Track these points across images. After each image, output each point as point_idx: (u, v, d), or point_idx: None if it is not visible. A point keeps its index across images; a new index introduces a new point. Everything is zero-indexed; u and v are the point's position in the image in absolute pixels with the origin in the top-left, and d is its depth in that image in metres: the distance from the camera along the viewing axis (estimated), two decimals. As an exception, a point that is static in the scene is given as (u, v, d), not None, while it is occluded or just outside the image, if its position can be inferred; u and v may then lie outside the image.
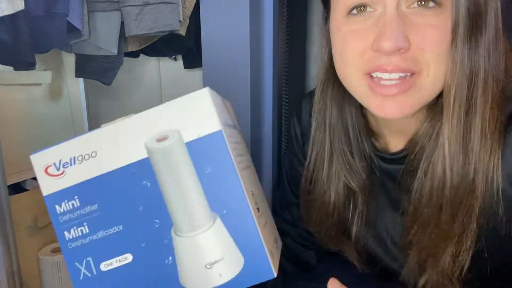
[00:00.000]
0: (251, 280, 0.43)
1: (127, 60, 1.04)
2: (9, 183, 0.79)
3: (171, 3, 0.87)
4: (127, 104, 1.37)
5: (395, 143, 0.58)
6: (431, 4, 0.46)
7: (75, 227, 0.44)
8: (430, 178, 0.50)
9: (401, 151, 0.57)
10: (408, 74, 0.47)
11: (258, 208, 0.46)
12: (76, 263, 0.44)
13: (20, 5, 0.66)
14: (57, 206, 0.44)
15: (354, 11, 0.49)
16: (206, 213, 0.42)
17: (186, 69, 1.24)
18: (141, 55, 1.17)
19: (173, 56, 1.27)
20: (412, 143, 0.54)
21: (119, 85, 1.36)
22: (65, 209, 0.44)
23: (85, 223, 0.44)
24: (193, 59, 1.19)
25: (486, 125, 0.47)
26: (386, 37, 0.45)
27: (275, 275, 0.43)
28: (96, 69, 0.97)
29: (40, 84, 0.95)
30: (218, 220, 0.43)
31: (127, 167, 0.43)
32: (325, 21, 0.58)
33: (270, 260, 0.43)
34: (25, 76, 0.90)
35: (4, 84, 0.87)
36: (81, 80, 1.02)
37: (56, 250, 0.87)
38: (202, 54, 1.01)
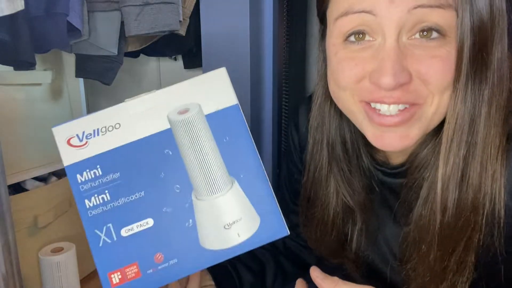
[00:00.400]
0: (267, 238, 0.46)
1: (127, 60, 1.04)
2: (9, 183, 0.79)
3: (171, 3, 0.87)
4: (127, 104, 1.37)
5: (395, 157, 0.56)
6: (434, 34, 0.43)
7: (96, 195, 0.46)
8: (428, 210, 0.48)
9: (402, 164, 0.55)
10: (409, 105, 0.45)
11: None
12: (96, 230, 0.46)
13: (20, 5, 0.66)
14: (78, 176, 0.46)
15: (352, 38, 0.46)
16: (224, 177, 0.46)
17: (186, 69, 1.24)
18: (141, 55, 1.17)
19: (173, 56, 1.27)
20: (412, 161, 0.52)
21: (119, 85, 1.36)
22: (87, 178, 0.46)
23: (106, 191, 0.45)
24: (193, 59, 1.19)
25: (488, 155, 0.45)
26: (386, 72, 0.42)
27: (288, 232, 0.46)
28: (96, 69, 0.97)
29: (40, 84, 0.95)
30: (236, 184, 0.46)
31: (150, 137, 0.46)
32: (322, 37, 0.55)
33: (283, 218, 0.46)
34: (25, 76, 0.90)
35: (4, 84, 0.87)
36: (81, 80, 1.02)
37: (56, 250, 0.87)
38: (202, 54, 1.01)
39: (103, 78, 0.98)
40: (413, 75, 0.43)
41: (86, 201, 0.46)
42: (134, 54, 1.12)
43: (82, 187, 0.46)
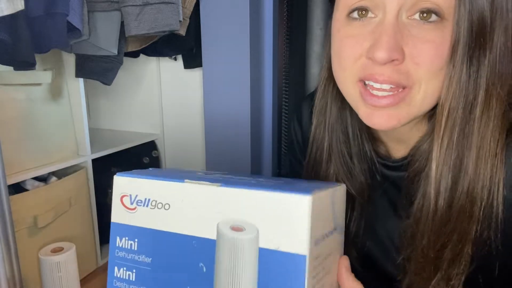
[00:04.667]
0: None
1: (127, 60, 1.04)
2: (9, 183, 0.78)
3: (171, 3, 0.87)
4: (127, 104, 1.38)
5: (397, 150, 0.57)
6: (433, 17, 0.44)
7: (124, 268, 0.43)
8: (425, 199, 0.48)
9: (404, 158, 0.55)
10: (400, 88, 0.46)
11: None
12: None
13: (20, 5, 0.66)
14: (118, 238, 0.43)
15: (355, 14, 0.47)
16: None
17: (186, 69, 1.24)
18: (141, 55, 1.17)
19: (173, 56, 1.27)
20: (415, 153, 0.53)
21: (119, 85, 1.36)
22: (123, 246, 0.43)
23: (134, 270, 0.42)
24: (193, 59, 1.19)
25: (486, 147, 0.45)
26: (381, 46, 0.44)
27: None
28: (96, 69, 0.97)
29: (40, 84, 0.95)
30: None
31: (192, 238, 0.40)
32: (330, 17, 0.56)
33: None
34: (25, 76, 0.90)
35: (4, 84, 0.87)
36: (81, 80, 1.02)
37: (56, 250, 0.87)
38: (202, 54, 1.01)
39: (103, 78, 0.98)
40: (406, 55, 0.44)
41: (116, 268, 0.43)
42: (134, 54, 1.12)
43: (117, 252, 0.43)
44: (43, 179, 0.97)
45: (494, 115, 0.45)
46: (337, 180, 0.58)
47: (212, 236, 0.39)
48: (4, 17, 0.64)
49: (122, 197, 0.43)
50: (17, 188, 0.90)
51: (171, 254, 0.41)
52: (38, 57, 0.80)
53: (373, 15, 0.46)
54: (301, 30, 1.09)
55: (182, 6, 0.95)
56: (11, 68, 0.82)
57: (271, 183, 0.42)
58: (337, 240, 0.46)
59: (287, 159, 0.75)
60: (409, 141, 0.54)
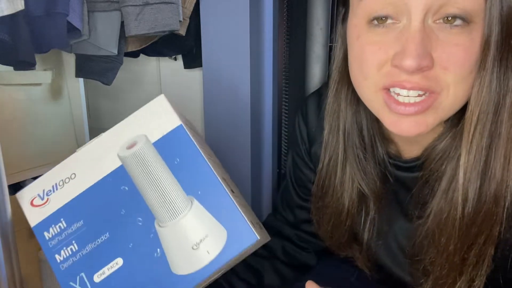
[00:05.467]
0: (237, 249, 0.45)
1: (127, 60, 1.04)
2: (9, 183, 0.78)
3: (171, 3, 0.87)
4: (127, 104, 1.37)
5: (409, 150, 0.56)
6: (458, 21, 0.42)
7: (64, 248, 0.46)
8: (448, 202, 0.47)
9: (416, 159, 0.54)
10: (427, 93, 0.45)
11: (232, 190, 0.48)
12: (71, 283, 0.46)
13: (20, 5, 0.66)
14: (45, 233, 0.47)
15: (375, 22, 0.45)
16: (182, 199, 0.46)
17: (186, 69, 1.24)
18: (141, 55, 1.17)
19: (173, 56, 1.27)
20: (429, 154, 0.52)
21: (119, 85, 1.36)
22: (53, 233, 0.47)
23: (73, 241, 0.46)
24: (193, 59, 1.19)
25: (511, 150, 0.44)
26: (410, 54, 0.42)
27: (258, 237, 0.45)
28: (96, 69, 0.97)
29: (40, 84, 0.95)
30: (195, 202, 0.46)
31: (104, 178, 0.46)
32: (343, 20, 0.54)
33: (249, 224, 0.46)
34: (25, 76, 0.90)
35: (4, 84, 0.87)
36: (81, 80, 1.02)
37: (56, 250, 0.87)
38: (202, 54, 1.01)
39: (103, 78, 0.98)
40: (435, 61, 0.43)
41: (57, 256, 0.46)
42: (134, 54, 1.12)
43: (51, 243, 0.47)
44: (43, 179, 0.97)
45: None
46: (353, 182, 0.56)
47: (118, 163, 0.46)
48: (4, 17, 0.64)
49: (31, 201, 0.48)
50: (17, 188, 0.90)
51: (96, 202, 0.46)
52: (38, 57, 0.80)
53: (395, 21, 0.44)
54: (301, 30, 1.09)
55: (182, 6, 0.95)
56: (11, 68, 0.82)
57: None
58: (209, 148, 0.58)
59: (289, 156, 0.74)
60: (422, 142, 0.53)
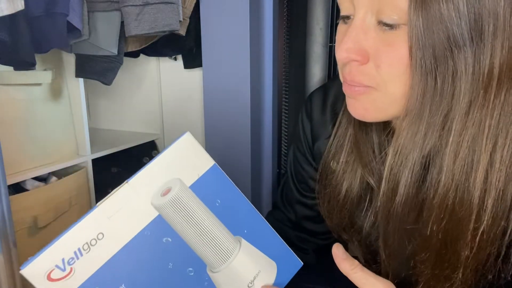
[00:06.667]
0: (287, 277, 0.48)
1: (127, 60, 1.04)
2: (9, 183, 0.79)
3: (171, 3, 0.87)
4: (127, 104, 1.38)
5: None
6: (385, 27, 0.44)
7: None
8: (435, 194, 0.48)
9: None
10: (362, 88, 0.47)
11: None
12: None
13: (20, 5, 0.66)
14: None
15: (345, 20, 0.49)
16: (231, 240, 0.44)
17: (186, 69, 1.24)
18: (141, 55, 1.17)
19: (173, 56, 1.27)
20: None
21: (119, 85, 1.36)
22: None
23: None
24: (193, 59, 1.19)
25: None
26: (340, 46, 0.45)
27: (302, 263, 0.49)
28: (96, 69, 0.97)
29: (40, 84, 0.95)
30: (243, 241, 0.45)
31: (141, 233, 0.41)
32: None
33: (293, 253, 0.48)
34: (25, 76, 0.90)
35: (4, 84, 0.87)
36: (81, 80, 1.02)
37: (56, 250, 0.87)
38: (202, 54, 1.01)
39: (103, 78, 0.98)
40: (370, 58, 0.45)
41: None
42: (134, 54, 1.12)
43: None
44: (43, 179, 0.97)
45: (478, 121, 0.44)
46: (356, 174, 0.58)
47: (155, 214, 0.41)
48: (4, 17, 0.64)
49: (48, 275, 0.38)
50: (17, 188, 0.90)
51: (136, 261, 0.40)
52: (38, 57, 0.80)
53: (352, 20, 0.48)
54: (301, 30, 1.09)
55: (182, 6, 0.95)
56: (11, 68, 0.82)
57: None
58: None
59: (290, 151, 0.74)
60: (370, 120, 0.55)
